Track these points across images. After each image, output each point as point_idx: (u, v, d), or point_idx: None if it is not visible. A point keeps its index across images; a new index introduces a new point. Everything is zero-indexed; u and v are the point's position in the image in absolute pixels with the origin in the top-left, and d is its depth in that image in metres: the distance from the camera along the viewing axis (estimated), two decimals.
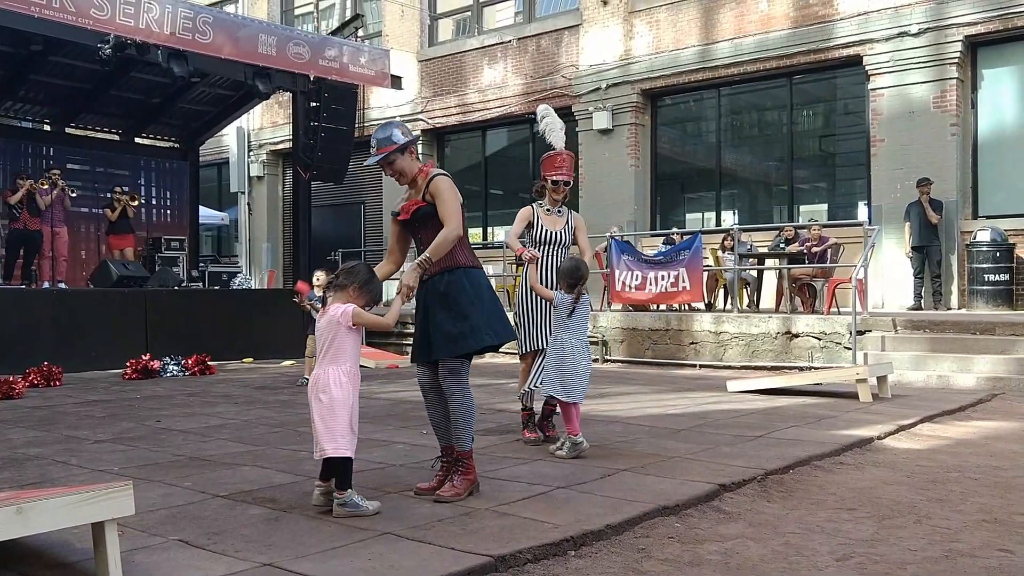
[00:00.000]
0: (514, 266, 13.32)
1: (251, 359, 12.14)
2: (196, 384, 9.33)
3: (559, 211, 5.57)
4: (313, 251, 13.65)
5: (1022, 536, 3.56)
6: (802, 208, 14.28)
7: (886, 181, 12.69)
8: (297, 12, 21.03)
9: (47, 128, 15.46)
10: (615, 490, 4.13)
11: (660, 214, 15.64)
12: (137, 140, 15.88)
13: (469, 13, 17.89)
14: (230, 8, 20.24)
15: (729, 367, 10.47)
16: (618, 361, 11.62)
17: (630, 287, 11.61)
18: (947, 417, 6.75)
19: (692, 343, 11.03)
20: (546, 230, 5.50)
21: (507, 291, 13.91)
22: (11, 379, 8.24)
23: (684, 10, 14.63)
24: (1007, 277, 11.32)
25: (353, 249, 18.50)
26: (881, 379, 7.80)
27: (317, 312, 4.43)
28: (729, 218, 14.84)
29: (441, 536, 3.37)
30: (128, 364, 9.99)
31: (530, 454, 5.11)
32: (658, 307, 12.07)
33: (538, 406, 5.63)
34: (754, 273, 12.65)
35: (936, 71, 12.31)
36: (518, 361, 5.77)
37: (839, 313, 10.79)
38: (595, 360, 10.30)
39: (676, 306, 11.99)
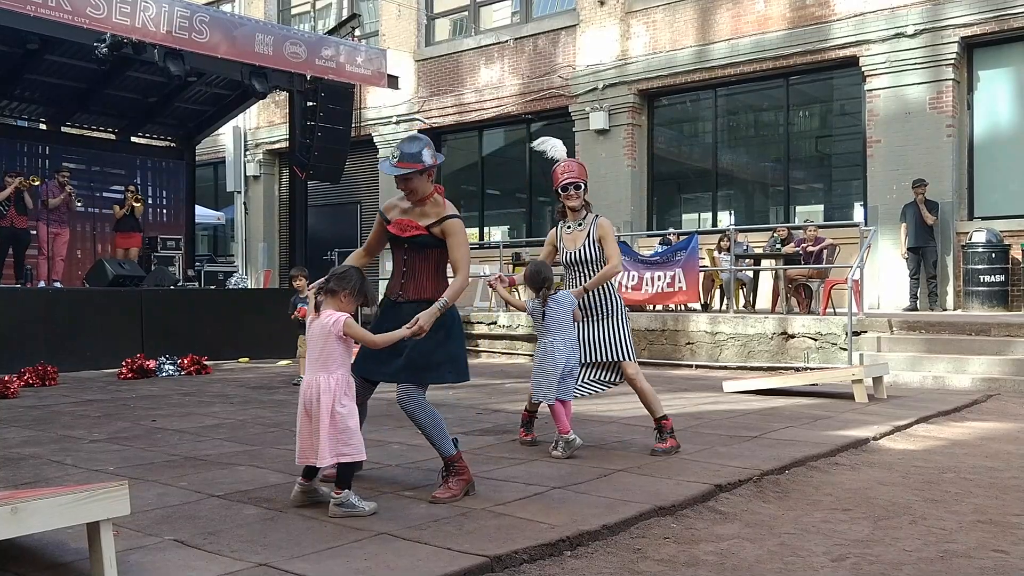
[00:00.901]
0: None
1: (247, 359, 12.11)
2: (192, 384, 9.30)
3: (580, 224, 5.30)
4: (309, 251, 13.62)
5: (1017, 537, 3.57)
6: (798, 209, 14.29)
7: (882, 182, 12.72)
8: (294, 11, 21.02)
9: (43, 127, 15.41)
10: (611, 490, 4.14)
11: (656, 214, 15.65)
12: (133, 139, 15.83)
13: (466, 13, 17.89)
14: (227, 7, 20.21)
15: (725, 367, 10.48)
16: None
17: (626, 287, 11.60)
18: (943, 418, 6.76)
19: (688, 343, 11.04)
20: (566, 251, 5.31)
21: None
22: (6, 378, 8.19)
23: (681, 11, 14.64)
24: (1002, 278, 11.35)
25: (349, 249, 18.19)
26: (877, 380, 7.81)
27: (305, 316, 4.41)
28: (725, 219, 14.85)
29: (437, 536, 3.37)
30: (124, 363, 9.95)
31: (527, 454, 5.11)
32: (654, 307, 12.07)
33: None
34: (750, 274, 12.65)
35: (932, 72, 12.33)
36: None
37: (835, 314, 10.80)
38: None
39: (672, 306, 12.00)
